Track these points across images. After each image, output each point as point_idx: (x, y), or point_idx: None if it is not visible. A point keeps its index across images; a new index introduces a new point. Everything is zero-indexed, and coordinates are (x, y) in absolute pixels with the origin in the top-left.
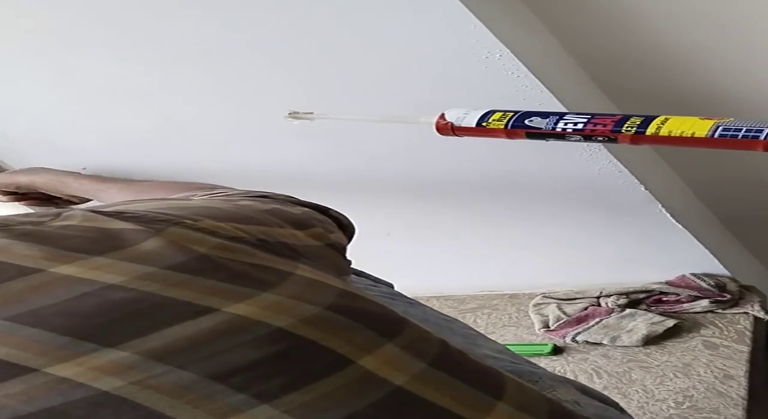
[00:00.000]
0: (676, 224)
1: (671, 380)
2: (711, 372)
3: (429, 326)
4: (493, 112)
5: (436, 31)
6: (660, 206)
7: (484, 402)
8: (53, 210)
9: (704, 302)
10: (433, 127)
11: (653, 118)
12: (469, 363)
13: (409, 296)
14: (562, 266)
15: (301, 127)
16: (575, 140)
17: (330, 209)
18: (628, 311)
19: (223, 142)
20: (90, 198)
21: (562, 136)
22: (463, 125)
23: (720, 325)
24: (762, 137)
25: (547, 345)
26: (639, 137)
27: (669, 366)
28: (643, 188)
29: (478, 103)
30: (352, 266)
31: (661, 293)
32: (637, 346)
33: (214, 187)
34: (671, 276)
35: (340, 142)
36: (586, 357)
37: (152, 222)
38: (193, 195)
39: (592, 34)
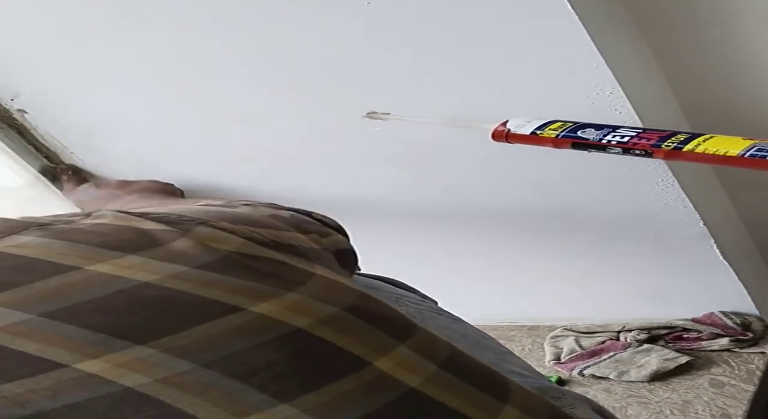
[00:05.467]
0: (723, 261)
1: (667, 417)
2: (709, 410)
3: (467, 340)
4: (554, 121)
5: (559, 64)
6: (713, 241)
7: (492, 405)
8: (83, 211)
9: (724, 341)
10: (490, 133)
11: (698, 135)
12: (476, 366)
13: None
14: (591, 298)
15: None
16: (614, 153)
17: (313, 212)
18: (644, 346)
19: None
20: None
21: (603, 147)
22: (518, 132)
23: (733, 364)
24: None
25: (552, 377)
26: (675, 152)
27: (668, 403)
28: (701, 224)
29: None
30: (403, 282)
31: (684, 329)
32: (642, 382)
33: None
34: (701, 312)
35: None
36: (587, 390)
37: (177, 223)
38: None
39: (704, 82)
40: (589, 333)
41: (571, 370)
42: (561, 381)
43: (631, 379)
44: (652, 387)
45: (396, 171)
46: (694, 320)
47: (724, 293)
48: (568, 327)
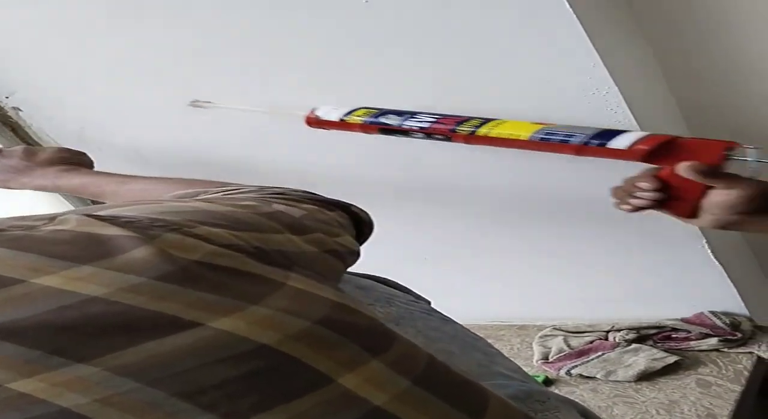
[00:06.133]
0: (714, 261)
1: (652, 417)
2: (695, 410)
3: (456, 342)
4: (360, 108)
5: (556, 63)
6: (704, 241)
7: None
8: (49, 214)
9: (712, 341)
10: (303, 120)
11: (490, 120)
12: (455, 379)
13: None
14: (581, 298)
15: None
16: (419, 138)
17: (352, 205)
18: (632, 346)
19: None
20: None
21: (407, 132)
22: (327, 118)
23: (720, 364)
24: (572, 141)
25: (539, 376)
26: (471, 137)
27: (654, 403)
28: None
29: None
30: (397, 282)
31: (673, 329)
32: (629, 381)
33: (224, 184)
34: (691, 312)
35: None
36: (574, 390)
37: (147, 228)
38: (202, 193)
39: (703, 82)
40: (578, 332)
41: (559, 370)
42: (548, 381)
43: (618, 379)
44: (639, 386)
45: (388, 171)
46: (683, 320)
47: (714, 294)
48: (557, 327)
